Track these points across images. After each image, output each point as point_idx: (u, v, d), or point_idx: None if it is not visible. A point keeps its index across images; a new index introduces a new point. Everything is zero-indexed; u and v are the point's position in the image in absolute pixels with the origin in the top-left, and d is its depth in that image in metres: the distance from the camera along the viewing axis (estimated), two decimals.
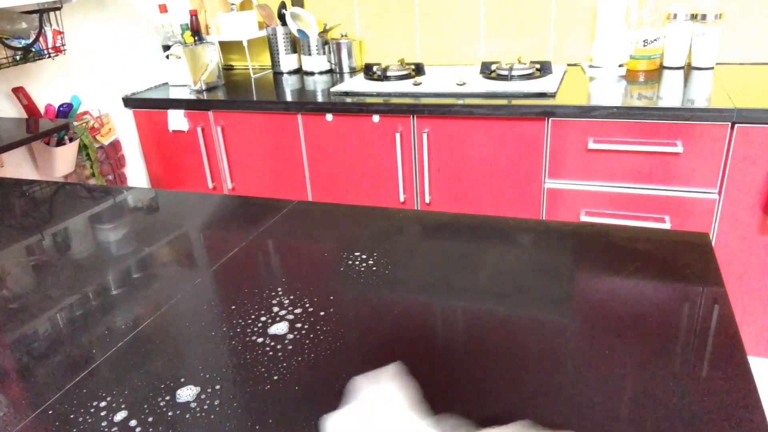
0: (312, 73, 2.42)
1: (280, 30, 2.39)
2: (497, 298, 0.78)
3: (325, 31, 2.39)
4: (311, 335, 0.73)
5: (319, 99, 2.00)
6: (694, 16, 1.94)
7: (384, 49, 2.43)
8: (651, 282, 0.79)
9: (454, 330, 0.72)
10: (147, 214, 1.14)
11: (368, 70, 2.19)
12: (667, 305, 0.74)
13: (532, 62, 2.05)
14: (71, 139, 1.94)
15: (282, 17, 2.38)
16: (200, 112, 2.16)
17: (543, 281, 0.81)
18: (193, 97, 2.17)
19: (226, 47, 2.67)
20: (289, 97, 2.05)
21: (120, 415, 0.61)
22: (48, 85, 1.98)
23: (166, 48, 2.41)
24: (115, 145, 2.23)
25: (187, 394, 0.64)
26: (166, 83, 2.44)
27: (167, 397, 0.63)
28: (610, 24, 1.98)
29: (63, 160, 1.93)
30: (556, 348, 0.67)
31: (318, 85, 2.23)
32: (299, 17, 2.34)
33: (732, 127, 1.58)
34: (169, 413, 0.61)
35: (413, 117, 1.89)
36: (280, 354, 0.70)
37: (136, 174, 2.37)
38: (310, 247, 0.95)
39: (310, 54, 2.39)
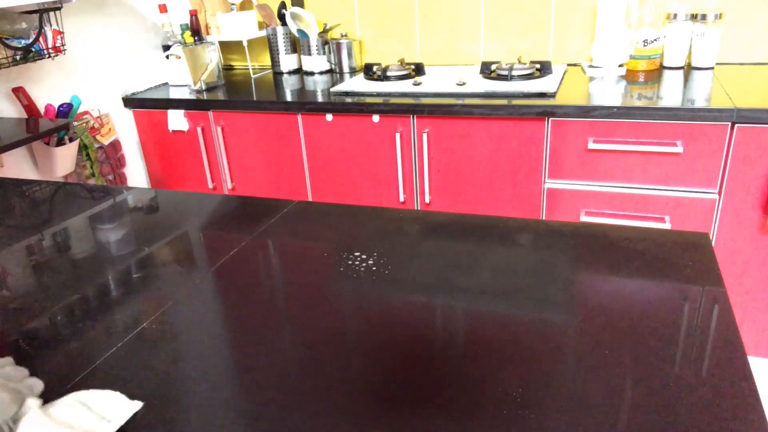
0: (312, 73, 2.42)
1: (280, 30, 2.39)
2: (497, 298, 0.78)
3: (325, 31, 2.39)
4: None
5: (319, 99, 2.00)
6: (694, 16, 1.94)
7: (384, 49, 2.43)
8: (651, 282, 0.79)
9: (454, 330, 0.72)
10: (147, 214, 1.14)
11: (368, 70, 2.19)
12: (667, 305, 0.74)
13: (532, 62, 2.05)
14: (71, 139, 1.94)
15: (282, 17, 2.38)
16: (200, 112, 2.16)
17: (543, 281, 0.81)
18: (193, 97, 2.17)
19: (226, 47, 2.67)
20: (289, 97, 2.05)
21: None
22: (48, 85, 1.98)
23: (166, 48, 2.41)
24: (115, 145, 2.23)
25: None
26: (166, 83, 2.44)
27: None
28: (610, 24, 1.98)
29: (63, 160, 1.93)
30: (556, 348, 0.67)
31: (318, 85, 2.23)
32: (299, 17, 2.34)
33: (732, 127, 1.58)
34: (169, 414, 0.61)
35: (413, 117, 1.89)
36: None
37: (136, 174, 2.37)
38: (310, 247, 0.95)
39: (310, 54, 2.39)
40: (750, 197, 1.62)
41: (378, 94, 1.99)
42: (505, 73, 1.98)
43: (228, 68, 2.70)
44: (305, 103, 1.99)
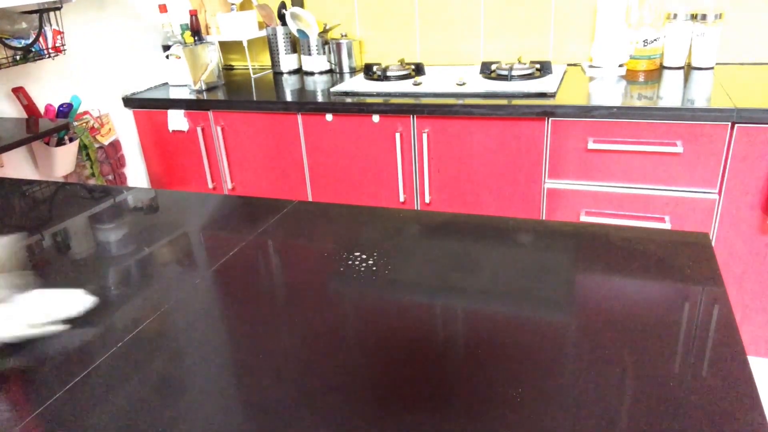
0: (312, 73, 2.42)
1: (280, 30, 2.39)
2: (497, 298, 0.78)
3: (325, 31, 2.39)
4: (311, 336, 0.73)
5: (319, 99, 2.00)
6: (694, 16, 1.94)
7: (384, 49, 2.43)
8: (651, 282, 0.79)
9: (454, 330, 0.72)
10: (147, 214, 1.14)
11: (368, 70, 2.19)
12: (667, 305, 0.74)
13: (532, 62, 2.05)
14: (71, 139, 1.94)
15: (282, 17, 2.38)
16: (200, 112, 2.16)
17: (543, 281, 0.81)
18: (193, 97, 2.17)
19: (226, 47, 2.67)
20: (289, 97, 2.05)
21: (120, 416, 0.61)
22: (48, 85, 1.98)
23: (166, 48, 2.41)
24: (115, 145, 2.23)
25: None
26: (166, 83, 2.44)
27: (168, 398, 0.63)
28: (610, 24, 1.98)
29: (63, 160, 1.93)
30: (556, 348, 0.67)
31: (318, 85, 2.23)
32: (299, 17, 2.34)
33: (732, 127, 1.58)
34: (170, 414, 0.61)
35: (413, 117, 1.89)
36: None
37: (136, 174, 2.37)
38: (310, 247, 0.95)
39: (310, 54, 2.39)
40: (750, 197, 1.62)
41: (378, 94, 1.99)
42: (505, 73, 1.98)
43: (228, 68, 2.70)
44: (305, 103, 1.99)
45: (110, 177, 2.22)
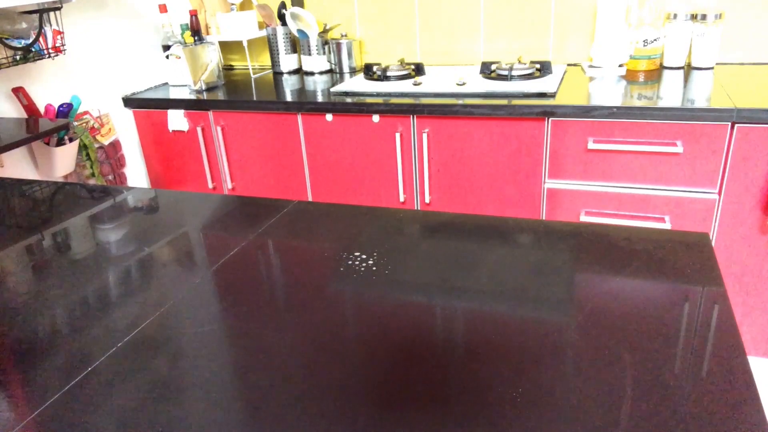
0: (312, 73, 2.42)
1: (280, 30, 2.39)
2: (497, 298, 0.78)
3: (325, 31, 2.39)
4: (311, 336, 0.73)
5: (319, 99, 2.00)
6: (694, 16, 1.94)
7: (384, 49, 2.43)
8: (651, 282, 0.79)
9: (454, 330, 0.72)
10: (147, 214, 1.14)
11: (368, 70, 2.19)
12: (667, 305, 0.74)
13: (532, 62, 2.05)
14: (71, 139, 1.94)
15: (282, 17, 2.38)
16: (200, 112, 2.16)
17: (543, 281, 0.81)
18: (193, 97, 2.17)
19: (226, 47, 2.67)
20: (289, 97, 2.05)
21: (120, 416, 0.61)
22: (48, 85, 1.98)
23: (166, 48, 2.41)
24: (115, 145, 2.23)
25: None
26: (166, 83, 2.44)
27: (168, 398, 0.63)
28: (610, 24, 1.98)
29: (63, 160, 1.93)
30: (556, 348, 0.67)
31: (318, 85, 2.23)
32: (299, 17, 2.34)
33: (732, 127, 1.58)
34: (170, 414, 0.61)
35: (413, 117, 1.89)
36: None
37: (136, 174, 2.37)
38: (310, 247, 0.95)
39: (310, 54, 2.39)
40: (750, 197, 1.62)
41: (378, 94, 1.99)
42: (505, 73, 1.98)
43: (228, 68, 2.70)
44: (305, 103, 1.99)
45: (110, 177, 2.22)
